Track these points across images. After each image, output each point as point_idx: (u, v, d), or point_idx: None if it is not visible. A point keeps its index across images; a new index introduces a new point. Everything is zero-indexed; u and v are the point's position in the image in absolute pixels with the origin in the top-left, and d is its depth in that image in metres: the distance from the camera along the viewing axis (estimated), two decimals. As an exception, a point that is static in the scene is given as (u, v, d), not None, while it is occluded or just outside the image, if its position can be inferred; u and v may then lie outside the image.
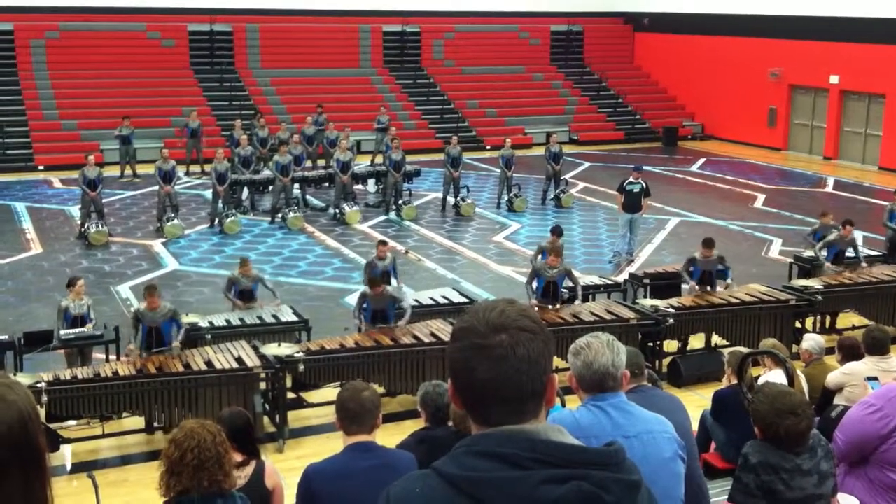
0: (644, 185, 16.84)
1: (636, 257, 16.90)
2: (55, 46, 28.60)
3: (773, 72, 29.66)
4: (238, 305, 12.11)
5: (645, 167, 20.85)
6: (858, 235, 17.74)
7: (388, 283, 12.80)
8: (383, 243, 13.19)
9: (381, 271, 12.60)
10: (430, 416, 5.81)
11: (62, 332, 10.75)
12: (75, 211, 19.50)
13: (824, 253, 13.71)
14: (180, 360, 9.97)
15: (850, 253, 13.98)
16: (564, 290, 12.35)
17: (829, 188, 24.39)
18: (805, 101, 29.53)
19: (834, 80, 27.93)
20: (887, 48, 25.84)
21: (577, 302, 11.99)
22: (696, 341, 12.34)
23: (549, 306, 11.78)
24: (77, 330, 10.79)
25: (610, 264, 16.61)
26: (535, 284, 12.00)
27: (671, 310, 11.63)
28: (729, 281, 12.83)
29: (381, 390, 9.79)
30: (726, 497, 4.63)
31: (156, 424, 9.77)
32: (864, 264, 13.75)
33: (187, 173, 24.04)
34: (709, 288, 12.56)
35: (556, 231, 13.92)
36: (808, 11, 28.14)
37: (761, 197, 22.92)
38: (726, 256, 12.99)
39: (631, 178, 16.89)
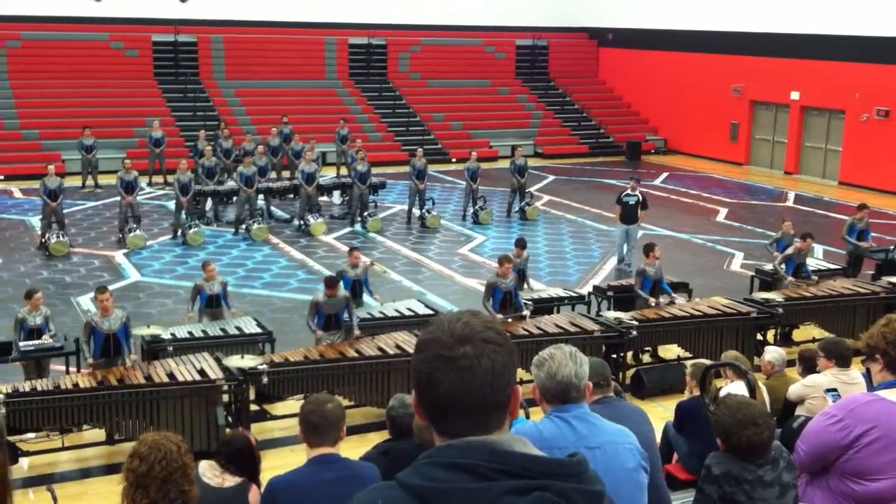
0: (640, 198, 17.03)
1: (599, 270, 16.98)
2: (16, 56, 28.27)
3: (735, 88, 30.00)
4: (202, 314, 11.98)
5: (612, 181, 20.95)
6: (818, 249, 17.99)
7: (359, 295, 12.73)
8: (355, 250, 13.14)
9: (353, 280, 12.53)
10: (395, 432, 5.78)
11: (21, 343, 10.60)
12: (36, 221, 19.25)
13: (783, 267, 13.93)
14: (141, 372, 9.87)
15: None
16: (528, 303, 12.45)
17: (790, 202, 24.68)
18: (766, 117, 29.89)
19: (795, 96, 28.31)
20: (846, 65, 26.23)
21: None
22: (665, 353, 12.57)
23: (509, 319, 11.85)
24: (36, 341, 10.64)
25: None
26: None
27: (634, 322, 11.72)
28: (674, 295, 13.07)
29: (345, 402, 9.74)
30: (689, 508, 4.65)
31: (116, 437, 9.64)
32: (813, 278, 13.99)
33: (150, 184, 23.87)
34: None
35: (521, 244, 13.96)
36: (770, 29, 28.50)
37: (723, 211, 23.14)
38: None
39: (628, 190, 17.09)
